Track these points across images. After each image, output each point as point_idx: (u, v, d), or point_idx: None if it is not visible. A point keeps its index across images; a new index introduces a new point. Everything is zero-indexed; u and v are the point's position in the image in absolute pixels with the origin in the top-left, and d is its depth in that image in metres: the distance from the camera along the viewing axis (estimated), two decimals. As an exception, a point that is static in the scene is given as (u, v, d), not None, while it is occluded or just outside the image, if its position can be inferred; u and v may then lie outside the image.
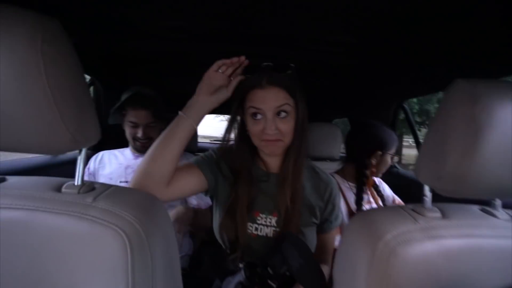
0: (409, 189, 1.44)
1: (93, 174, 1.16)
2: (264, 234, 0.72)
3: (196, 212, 1.02)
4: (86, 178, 1.11)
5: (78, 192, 0.39)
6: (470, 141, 0.35)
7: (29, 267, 0.34)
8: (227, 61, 0.64)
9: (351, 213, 1.04)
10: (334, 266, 0.50)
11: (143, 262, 0.36)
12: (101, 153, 1.22)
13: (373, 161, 1.06)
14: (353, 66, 1.16)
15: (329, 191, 0.76)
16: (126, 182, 1.11)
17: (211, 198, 0.78)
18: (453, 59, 0.93)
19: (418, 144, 1.55)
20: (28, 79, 0.31)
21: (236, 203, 0.70)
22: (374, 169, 1.07)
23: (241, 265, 0.67)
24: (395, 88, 1.43)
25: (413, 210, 0.44)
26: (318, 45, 0.93)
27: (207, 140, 3.74)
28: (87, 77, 1.50)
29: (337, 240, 0.88)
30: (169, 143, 0.63)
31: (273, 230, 0.72)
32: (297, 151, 0.70)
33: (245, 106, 0.69)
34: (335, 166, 1.25)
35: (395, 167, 1.66)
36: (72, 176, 0.41)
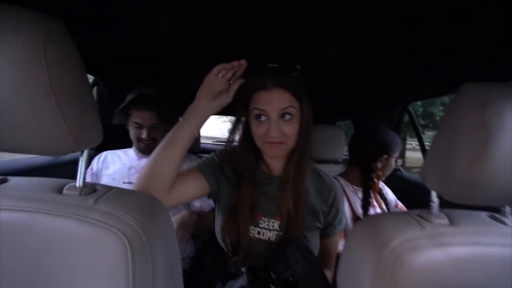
0: (413, 193, 1.42)
1: (96, 174, 1.16)
2: (267, 238, 0.71)
3: (200, 216, 1.02)
4: (89, 178, 1.13)
5: (80, 194, 0.38)
6: (480, 146, 0.34)
7: (29, 269, 0.34)
8: (227, 65, 0.63)
9: (355, 218, 1.03)
10: (338, 272, 0.49)
11: (143, 266, 0.36)
12: (104, 153, 1.21)
13: (379, 165, 1.05)
14: (357, 68, 1.15)
15: (333, 195, 0.75)
16: (130, 183, 1.11)
17: (214, 200, 0.78)
18: (459, 62, 0.92)
19: (422, 147, 1.54)
20: (30, 79, 0.31)
21: (239, 205, 0.70)
22: (380, 173, 1.06)
23: (243, 269, 0.66)
24: (400, 90, 1.42)
25: (419, 216, 0.43)
26: (323, 47, 0.92)
27: (210, 141, 3.74)
28: (91, 78, 1.51)
29: (340, 244, 0.87)
30: (170, 152, 0.62)
31: (276, 234, 0.71)
32: (301, 154, 0.69)
33: (249, 107, 0.68)
34: (339, 169, 1.24)
35: (399, 170, 1.64)
36: (75, 176, 0.41)
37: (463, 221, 0.42)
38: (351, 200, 1.05)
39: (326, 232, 0.77)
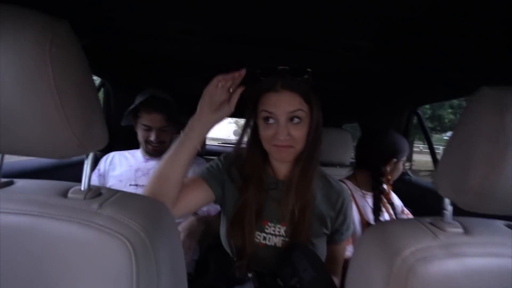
0: (422, 198, 1.40)
1: (103, 175, 1.16)
2: (273, 244, 0.69)
3: (207, 222, 1.01)
4: (96, 178, 1.13)
5: (84, 198, 0.38)
6: (498, 153, 0.33)
7: (32, 274, 0.33)
8: (227, 76, 0.62)
9: (365, 223, 1.01)
10: (347, 279, 0.47)
11: (148, 272, 0.35)
12: (111, 154, 1.21)
13: (388, 168, 1.04)
14: (367, 70, 1.14)
15: (341, 201, 0.74)
16: (136, 185, 1.11)
17: (220, 205, 0.77)
18: (471, 64, 0.90)
19: (432, 151, 1.50)
20: (36, 81, 0.31)
21: (245, 208, 0.69)
22: (389, 177, 1.04)
23: (250, 275, 0.65)
24: (409, 93, 1.39)
25: (431, 224, 0.42)
26: (332, 49, 0.91)
27: (216, 143, 3.74)
28: (98, 79, 1.52)
29: (348, 250, 0.86)
30: (172, 168, 0.61)
31: (282, 240, 0.69)
32: (308, 159, 0.68)
33: (258, 109, 0.67)
34: (346, 172, 1.23)
35: (408, 174, 1.61)
36: (82, 178, 0.40)
37: (478, 230, 0.40)
38: (360, 204, 1.03)
39: (334, 238, 0.75)
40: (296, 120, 0.63)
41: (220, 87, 0.62)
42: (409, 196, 1.39)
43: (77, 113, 0.34)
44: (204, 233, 0.99)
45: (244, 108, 0.70)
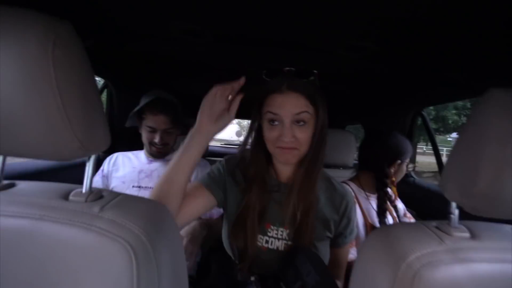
0: (426, 200, 1.38)
1: (107, 176, 1.16)
2: (275, 248, 0.69)
3: (210, 226, 1.01)
4: (99, 179, 1.13)
5: (86, 201, 0.37)
6: (508, 156, 0.32)
7: (33, 277, 0.33)
8: (226, 86, 0.61)
9: (368, 225, 1.00)
10: (350, 284, 0.47)
11: (149, 275, 0.35)
12: (115, 154, 1.21)
13: (392, 170, 1.03)
14: (371, 72, 1.13)
15: (345, 204, 0.73)
16: (139, 187, 1.10)
17: (222, 208, 0.77)
18: (477, 65, 0.89)
19: (436, 152, 1.49)
20: (37, 82, 0.30)
21: (248, 210, 0.68)
22: (393, 178, 1.03)
23: (252, 278, 0.65)
24: (414, 95, 1.38)
25: (437, 228, 0.41)
26: (336, 50, 0.90)
27: (218, 144, 3.74)
28: (101, 80, 1.53)
29: (351, 253, 0.85)
30: (174, 180, 0.61)
31: (285, 243, 0.68)
32: (312, 161, 0.67)
33: (263, 110, 0.66)
34: (349, 174, 1.22)
35: (411, 176, 1.59)
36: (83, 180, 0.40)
37: (485, 234, 0.39)
38: (363, 207, 1.02)
39: (337, 242, 0.74)
40: (301, 122, 0.63)
41: (219, 96, 0.61)
42: (412, 198, 1.37)
43: (79, 115, 0.34)
44: (206, 238, 0.99)
45: (246, 109, 0.70)
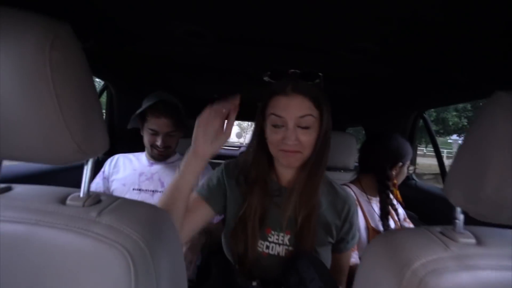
0: (428, 203, 1.37)
1: (107, 178, 1.15)
2: (276, 253, 0.67)
3: (210, 231, 1.00)
4: (101, 181, 1.13)
5: (83, 205, 0.37)
6: None
7: (29, 284, 0.32)
8: (219, 106, 0.59)
9: (370, 229, 0.99)
10: None
11: (147, 282, 0.34)
12: (116, 156, 1.20)
13: (394, 172, 1.02)
14: (374, 73, 1.12)
15: (347, 208, 0.72)
16: (139, 190, 1.10)
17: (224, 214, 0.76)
18: (479, 69, 0.88)
19: (438, 154, 1.48)
20: (34, 85, 0.30)
21: (249, 213, 0.67)
22: (395, 181, 1.03)
23: (254, 283, 0.64)
24: (415, 97, 1.37)
25: (442, 233, 0.40)
26: (339, 52, 0.89)
27: None
28: (101, 82, 1.52)
29: (353, 257, 0.84)
30: (172, 208, 0.60)
31: (286, 249, 0.67)
32: (315, 165, 0.66)
33: (266, 112, 0.65)
34: (349, 176, 1.21)
35: (413, 178, 1.59)
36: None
37: (491, 241, 0.39)
38: (365, 210, 1.01)
39: (339, 247, 0.73)
40: (305, 128, 0.62)
41: (213, 116, 0.59)
42: (414, 201, 1.36)
43: (77, 117, 0.33)
44: (206, 244, 0.98)
45: (247, 111, 0.70)
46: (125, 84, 1.54)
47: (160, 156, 1.13)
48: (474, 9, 0.58)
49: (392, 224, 1.01)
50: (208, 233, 0.99)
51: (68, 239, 0.32)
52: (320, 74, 0.64)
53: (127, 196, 1.08)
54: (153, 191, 1.10)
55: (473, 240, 0.38)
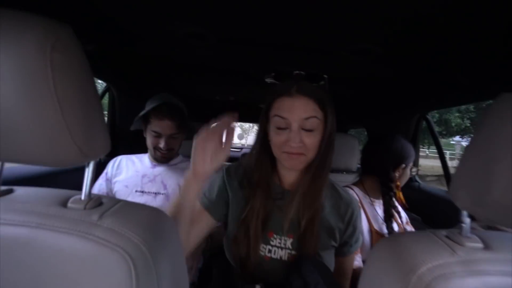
0: (432, 206, 1.36)
1: (110, 180, 1.15)
2: (278, 257, 0.66)
3: (211, 235, 0.99)
4: (104, 183, 1.12)
5: (84, 208, 0.36)
6: None
7: (30, 287, 0.32)
8: (215, 127, 0.57)
9: (373, 232, 0.98)
10: None
11: (148, 286, 0.33)
12: (119, 157, 1.20)
13: (397, 174, 1.01)
14: (377, 75, 1.12)
15: (350, 212, 0.71)
16: (142, 192, 1.09)
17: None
18: (483, 70, 0.87)
19: (442, 156, 1.46)
20: (35, 87, 0.30)
21: (251, 216, 0.66)
22: (398, 183, 1.02)
23: (257, 286, 0.63)
24: (419, 99, 1.36)
25: (448, 237, 0.39)
26: (342, 53, 0.89)
27: None
28: (103, 84, 1.53)
29: (356, 260, 0.83)
30: (177, 226, 0.59)
31: (288, 253, 0.66)
32: (319, 168, 0.65)
33: (270, 114, 0.64)
34: (352, 178, 1.20)
35: (416, 180, 1.57)
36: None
37: (499, 245, 0.38)
38: (368, 212, 1.00)
39: (342, 251, 0.72)
40: (309, 130, 0.61)
41: (211, 135, 0.57)
42: (417, 203, 1.35)
43: (78, 120, 0.33)
44: (206, 249, 0.97)
45: (248, 112, 0.69)
46: (127, 85, 1.54)
47: (163, 158, 1.13)
48: (477, 10, 0.58)
49: (395, 227, 1.00)
50: (209, 237, 0.98)
51: (69, 242, 0.32)
52: (325, 76, 0.63)
53: (130, 198, 1.08)
54: (155, 193, 1.09)
55: (480, 245, 0.37)
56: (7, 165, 0.42)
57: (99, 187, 1.13)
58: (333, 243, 0.69)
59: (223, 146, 0.58)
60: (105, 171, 1.17)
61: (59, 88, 0.30)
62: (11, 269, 0.32)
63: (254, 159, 0.70)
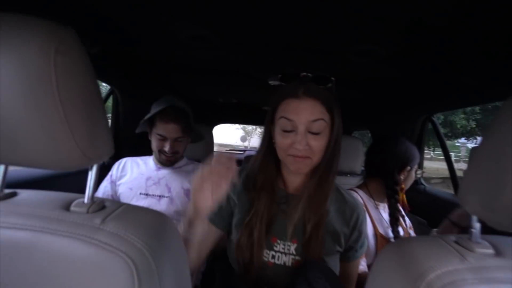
0: (438, 209, 1.34)
1: (115, 182, 1.15)
2: (282, 263, 0.65)
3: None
4: (108, 185, 1.12)
5: (87, 211, 0.36)
6: None
7: None
8: (214, 169, 0.54)
9: (378, 235, 0.96)
10: None
11: None
12: (124, 159, 1.20)
13: (402, 177, 1.00)
14: (380, 76, 1.11)
15: (356, 216, 0.69)
16: (146, 194, 1.09)
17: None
18: (491, 71, 0.86)
19: (448, 158, 1.44)
20: (39, 90, 0.29)
21: (255, 220, 0.65)
22: (403, 186, 1.00)
23: None
24: (424, 101, 1.35)
25: (457, 243, 0.38)
26: (345, 54, 0.88)
27: (223, 149, 3.74)
28: (107, 86, 1.53)
29: (361, 264, 0.81)
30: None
31: (292, 259, 0.65)
32: (325, 172, 0.64)
33: (276, 116, 0.63)
34: (356, 181, 1.19)
35: (421, 183, 1.55)
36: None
37: (511, 251, 0.37)
38: (373, 216, 0.99)
39: (347, 256, 0.71)
40: (315, 130, 0.60)
41: (207, 174, 0.54)
42: (423, 207, 1.33)
43: (81, 123, 0.33)
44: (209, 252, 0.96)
45: (251, 114, 0.69)
46: (131, 88, 1.54)
47: (168, 161, 1.13)
48: (483, 10, 0.57)
49: (401, 231, 0.98)
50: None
51: (72, 246, 0.32)
52: (332, 78, 0.62)
53: (134, 200, 1.08)
54: (159, 196, 1.09)
55: (491, 251, 0.36)
56: (11, 168, 0.42)
57: (104, 189, 1.13)
58: (338, 248, 0.68)
59: (222, 182, 0.54)
60: (110, 173, 1.17)
61: (62, 91, 0.30)
62: (13, 273, 0.32)
63: (259, 162, 0.69)
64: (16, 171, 1.04)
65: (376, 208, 1.02)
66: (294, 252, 0.65)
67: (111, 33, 0.87)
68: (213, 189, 0.53)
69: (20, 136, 0.31)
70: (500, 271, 0.34)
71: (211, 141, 1.53)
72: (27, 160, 0.34)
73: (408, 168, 1.02)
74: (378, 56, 0.87)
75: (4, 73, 0.28)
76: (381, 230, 0.97)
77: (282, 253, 0.66)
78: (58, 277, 0.31)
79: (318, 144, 0.60)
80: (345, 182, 1.47)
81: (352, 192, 0.98)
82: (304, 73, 0.62)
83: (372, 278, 0.42)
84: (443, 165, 1.43)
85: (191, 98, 1.74)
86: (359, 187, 1.09)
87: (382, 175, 1.02)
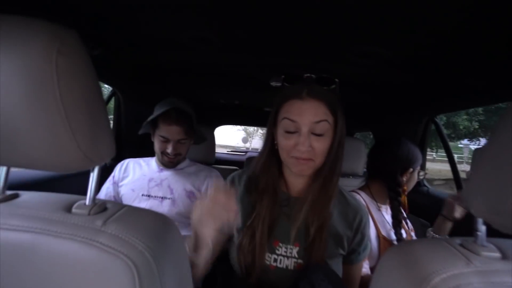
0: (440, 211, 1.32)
1: (117, 183, 1.15)
2: (284, 266, 0.65)
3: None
4: (111, 186, 1.12)
5: (89, 213, 0.36)
6: None
7: None
8: (212, 199, 0.54)
9: (381, 238, 0.96)
10: None
11: None
12: (126, 161, 1.20)
13: (404, 179, 0.99)
14: (383, 78, 1.10)
15: (359, 219, 0.68)
16: (148, 196, 1.09)
17: None
18: (494, 73, 0.85)
19: (451, 160, 1.43)
20: (40, 92, 0.29)
21: (257, 222, 0.65)
22: (405, 187, 1.00)
23: None
24: (428, 102, 1.34)
25: (462, 246, 0.38)
26: (347, 56, 0.88)
27: (225, 150, 3.74)
28: (109, 88, 1.54)
29: (364, 267, 0.81)
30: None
31: (294, 262, 0.65)
32: (329, 174, 0.63)
33: (279, 117, 0.63)
34: (358, 183, 1.18)
35: (424, 185, 1.54)
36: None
37: None
38: (375, 218, 0.98)
39: (350, 259, 0.70)
40: (319, 132, 0.60)
41: (206, 206, 0.54)
42: (426, 209, 1.32)
43: (83, 125, 0.33)
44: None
45: (253, 116, 0.69)
46: (133, 90, 1.55)
47: (170, 163, 1.13)
48: (485, 12, 0.56)
49: (403, 233, 0.97)
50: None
51: (73, 249, 0.32)
52: (336, 80, 0.62)
53: (136, 202, 1.08)
54: (162, 197, 1.09)
55: (497, 254, 0.36)
56: (13, 170, 0.42)
57: (106, 190, 1.13)
58: (341, 251, 0.67)
59: (223, 212, 0.54)
60: (112, 174, 1.17)
61: (64, 93, 0.30)
62: (14, 275, 0.32)
63: (261, 164, 0.68)
64: (18, 172, 1.04)
65: (379, 210, 1.02)
66: (297, 256, 0.65)
67: (113, 35, 0.88)
68: (214, 220, 0.53)
69: (22, 137, 0.31)
70: (507, 275, 0.33)
71: (212, 142, 1.53)
72: (28, 161, 0.34)
73: (411, 169, 1.01)
74: (381, 57, 0.86)
75: (5, 74, 0.28)
76: (383, 232, 0.97)
77: (284, 257, 0.65)
78: (59, 279, 0.31)
79: (321, 146, 0.60)
80: (347, 184, 1.46)
81: (354, 194, 0.97)
82: (308, 74, 0.62)
83: (375, 281, 0.42)
84: (445, 167, 1.42)
85: (192, 100, 1.74)
86: (361, 188, 1.09)
87: (385, 177, 1.02)
